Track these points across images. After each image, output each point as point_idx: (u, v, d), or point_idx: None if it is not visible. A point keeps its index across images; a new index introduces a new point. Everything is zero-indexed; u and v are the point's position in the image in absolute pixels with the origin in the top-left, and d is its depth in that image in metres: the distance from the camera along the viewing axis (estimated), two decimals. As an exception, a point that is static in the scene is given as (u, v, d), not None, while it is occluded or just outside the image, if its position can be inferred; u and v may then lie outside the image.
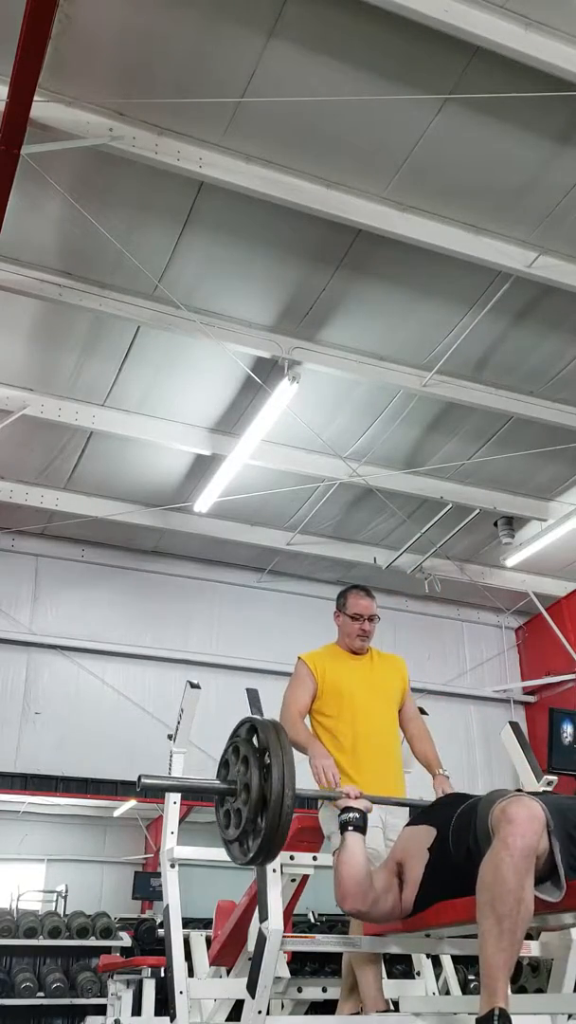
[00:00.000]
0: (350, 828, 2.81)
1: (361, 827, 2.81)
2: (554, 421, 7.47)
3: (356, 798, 2.89)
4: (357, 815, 2.83)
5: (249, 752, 2.57)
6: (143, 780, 2.60)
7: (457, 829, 2.51)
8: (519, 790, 2.40)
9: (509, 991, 2.04)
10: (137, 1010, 6.18)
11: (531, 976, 6.54)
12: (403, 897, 2.64)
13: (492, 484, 8.67)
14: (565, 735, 6.57)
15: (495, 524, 9.32)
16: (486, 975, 2.02)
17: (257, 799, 2.48)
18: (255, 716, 2.76)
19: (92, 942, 8.02)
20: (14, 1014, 7.61)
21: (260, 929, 2.69)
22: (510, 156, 5.28)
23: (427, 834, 2.66)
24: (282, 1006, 3.98)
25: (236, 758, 2.64)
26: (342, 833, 2.82)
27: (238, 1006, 3.53)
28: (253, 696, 3.51)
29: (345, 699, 3.74)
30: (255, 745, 2.58)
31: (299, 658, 3.86)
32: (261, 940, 2.65)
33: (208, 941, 4.53)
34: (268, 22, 4.57)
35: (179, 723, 3.94)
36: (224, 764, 2.70)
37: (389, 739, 3.79)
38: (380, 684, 3.86)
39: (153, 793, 8.28)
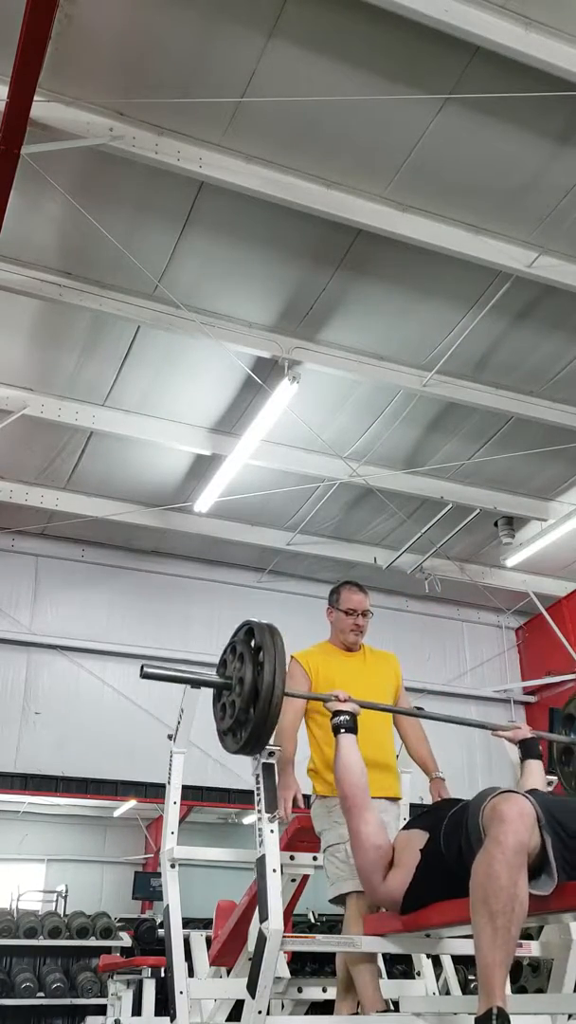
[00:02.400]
0: (342, 731, 2.94)
1: (352, 728, 2.95)
2: (554, 421, 7.47)
3: (344, 700, 3.01)
4: (348, 717, 2.96)
5: (245, 650, 2.78)
6: (146, 669, 2.82)
7: (448, 828, 2.51)
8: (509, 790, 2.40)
9: (508, 990, 2.04)
10: (137, 1010, 6.19)
11: (531, 976, 6.54)
12: (392, 880, 2.65)
13: (492, 484, 8.67)
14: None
15: (495, 524, 9.32)
16: (482, 974, 2.02)
17: (250, 691, 2.68)
18: (252, 619, 2.87)
19: (92, 942, 8.02)
20: (14, 1014, 7.62)
21: (260, 929, 2.69)
22: (510, 156, 5.29)
23: (420, 837, 2.67)
24: (282, 1006, 3.97)
25: (233, 656, 2.86)
26: (335, 736, 2.95)
27: (238, 1006, 3.52)
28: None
29: None
30: (251, 645, 2.78)
31: (292, 657, 3.85)
32: (261, 940, 2.65)
33: (208, 941, 4.52)
34: (268, 22, 4.57)
35: (179, 723, 3.93)
36: (223, 663, 2.93)
37: (383, 736, 3.78)
38: (373, 681, 3.85)
39: (153, 792, 8.31)
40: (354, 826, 2.86)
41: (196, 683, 3.20)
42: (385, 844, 2.79)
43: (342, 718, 2.97)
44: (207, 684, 2.96)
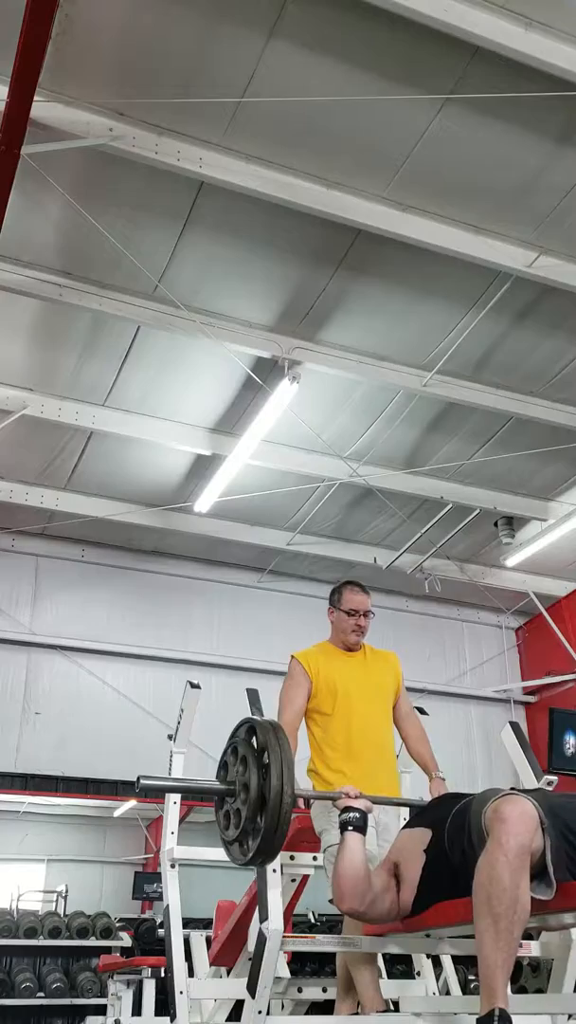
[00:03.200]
0: (349, 828, 2.77)
1: (361, 827, 2.78)
2: (554, 421, 7.47)
3: (355, 798, 2.86)
4: (357, 815, 2.79)
5: (248, 752, 2.55)
6: (142, 781, 2.59)
7: (452, 830, 2.51)
8: (513, 789, 2.40)
9: (509, 991, 2.04)
10: (137, 1010, 6.18)
11: (531, 976, 6.54)
12: (401, 898, 2.64)
13: (492, 484, 8.67)
14: (568, 746, 6.54)
15: (495, 524, 9.32)
16: (485, 975, 2.02)
17: (256, 798, 2.46)
18: (254, 716, 2.75)
19: (92, 942, 8.02)
20: (14, 1014, 7.62)
21: (260, 929, 2.69)
22: (510, 156, 5.28)
23: (423, 836, 2.65)
24: (282, 1006, 3.98)
25: (235, 759, 2.63)
26: (342, 833, 2.79)
27: (238, 1006, 3.53)
28: (253, 696, 3.51)
29: (339, 697, 3.73)
30: (254, 745, 2.57)
31: (292, 657, 3.85)
32: (261, 940, 2.65)
33: (208, 941, 4.52)
34: (268, 22, 4.57)
35: (179, 723, 3.94)
36: (223, 765, 2.69)
37: (383, 736, 3.78)
38: (374, 681, 3.85)
39: (153, 793, 8.30)
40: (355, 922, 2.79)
41: (195, 791, 2.98)
42: (391, 885, 2.69)
43: (351, 815, 2.80)
44: (208, 792, 2.71)
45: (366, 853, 2.74)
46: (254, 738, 2.58)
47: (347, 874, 2.66)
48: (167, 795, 3.78)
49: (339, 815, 2.83)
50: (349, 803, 2.83)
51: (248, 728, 2.63)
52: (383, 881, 2.67)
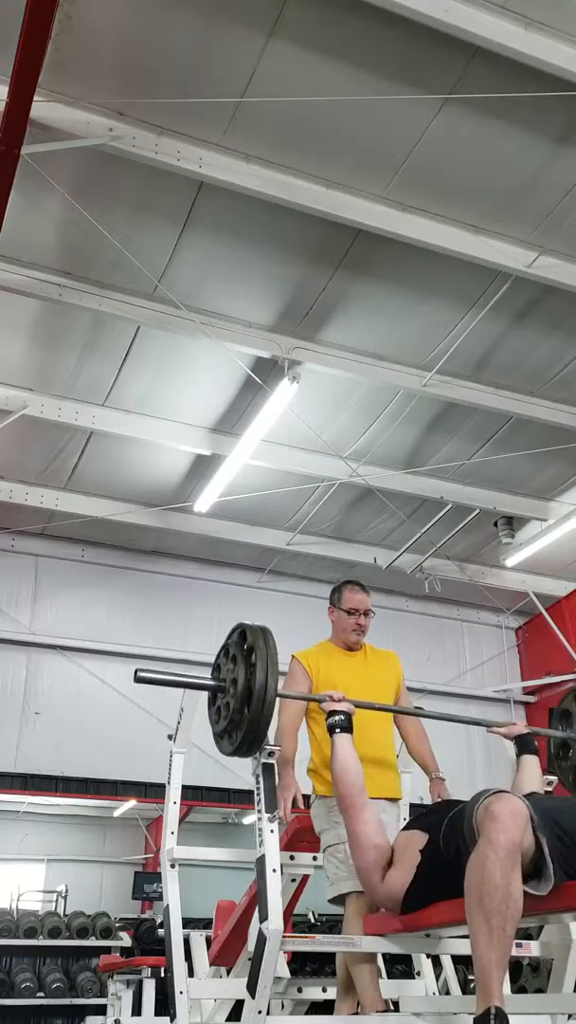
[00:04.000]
0: (338, 730, 2.96)
1: (348, 727, 2.97)
2: (554, 421, 7.47)
3: (339, 700, 3.02)
4: (343, 716, 2.98)
5: (238, 652, 2.79)
6: (139, 674, 2.83)
7: (448, 831, 2.52)
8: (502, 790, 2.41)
9: (508, 989, 2.04)
10: (137, 1010, 6.19)
11: (531, 976, 6.54)
12: (388, 881, 2.66)
13: (492, 484, 8.67)
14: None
15: (495, 524, 9.32)
16: (480, 974, 2.02)
17: (243, 691, 2.69)
18: (245, 622, 2.87)
19: (92, 942, 8.02)
20: (14, 1014, 7.62)
21: (260, 929, 2.69)
22: (510, 156, 5.29)
23: (420, 838, 2.67)
24: (282, 1006, 3.97)
25: (227, 659, 2.86)
26: (331, 735, 2.96)
27: (238, 1006, 3.53)
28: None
29: None
30: (243, 647, 2.78)
31: (293, 656, 3.85)
32: (261, 940, 2.65)
33: (208, 941, 4.52)
34: (268, 22, 4.57)
35: (179, 723, 3.93)
36: (216, 667, 2.93)
37: (384, 736, 3.78)
38: (374, 680, 3.85)
39: (153, 792, 8.31)
40: (352, 826, 2.86)
41: (190, 686, 3.23)
42: (384, 843, 2.79)
43: (337, 718, 2.98)
44: (201, 687, 2.97)
45: (356, 754, 2.95)
46: (244, 641, 2.80)
47: (343, 775, 2.89)
48: (167, 795, 3.77)
49: (326, 719, 3.02)
50: (334, 706, 3.01)
51: (240, 632, 2.85)
52: (383, 849, 2.75)
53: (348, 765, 2.91)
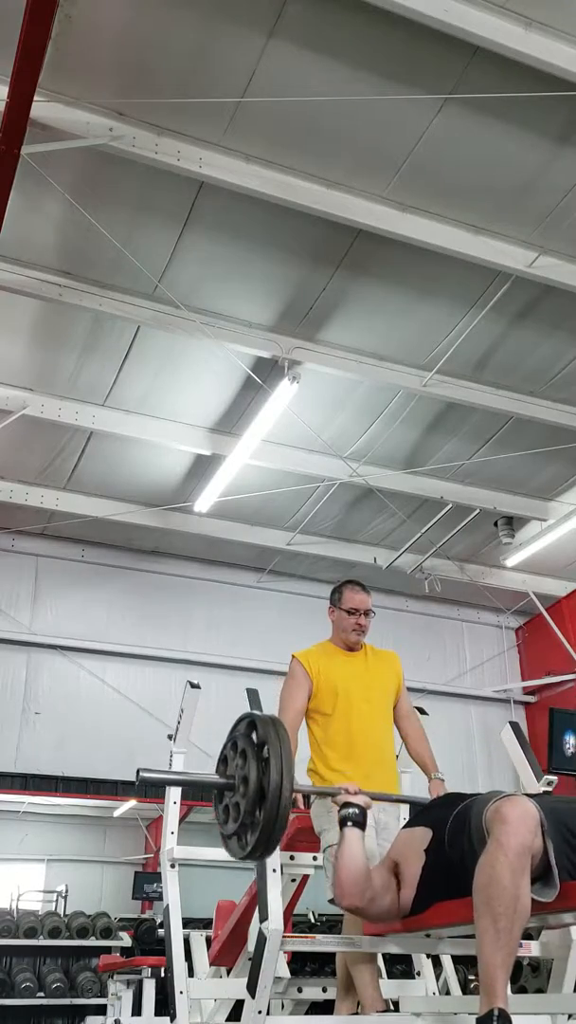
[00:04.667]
0: (349, 824, 2.78)
1: (360, 823, 2.78)
2: (554, 421, 7.47)
3: (355, 794, 2.86)
4: (356, 811, 2.80)
5: (247, 746, 2.55)
6: (142, 774, 2.60)
7: (452, 830, 2.51)
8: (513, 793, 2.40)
9: (509, 991, 2.04)
10: (137, 1010, 6.19)
11: (531, 976, 6.54)
12: (401, 897, 2.64)
13: (492, 484, 8.67)
14: (568, 746, 6.54)
15: (495, 524, 9.32)
16: (484, 975, 2.02)
17: (255, 792, 2.45)
18: (254, 712, 2.76)
19: (92, 942, 8.02)
20: (14, 1014, 7.61)
21: (260, 929, 2.69)
22: (510, 156, 5.28)
23: (423, 835, 2.65)
24: (282, 1006, 3.98)
25: (235, 753, 2.62)
26: (341, 829, 2.79)
27: (238, 1006, 3.53)
28: (253, 696, 3.51)
29: (340, 697, 3.73)
30: (253, 740, 2.56)
31: (293, 656, 3.85)
32: (261, 940, 2.65)
33: (208, 941, 4.53)
34: (268, 22, 4.57)
35: (179, 723, 3.94)
36: (223, 760, 2.69)
37: (384, 736, 3.78)
38: (375, 680, 3.85)
39: (153, 791, 8.31)
40: (355, 918, 2.80)
41: (196, 785, 3.01)
42: (381, 888, 2.68)
43: (350, 811, 2.81)
44: (208, 785, 2.70)
45: (365, 850, 2.74)
46: (254, 732, 2.58)
47: (347, 870, 2.67)
48: (167, 795, 3.78)
49: (338, 811, 2.83)
50: (348, 799, 2.83)
51: (248, 723, 2.62)
52: (383, 879, 2.67)
53: (354, 860, 2.69)
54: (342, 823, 2.79)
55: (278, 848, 2.71)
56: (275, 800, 2.39)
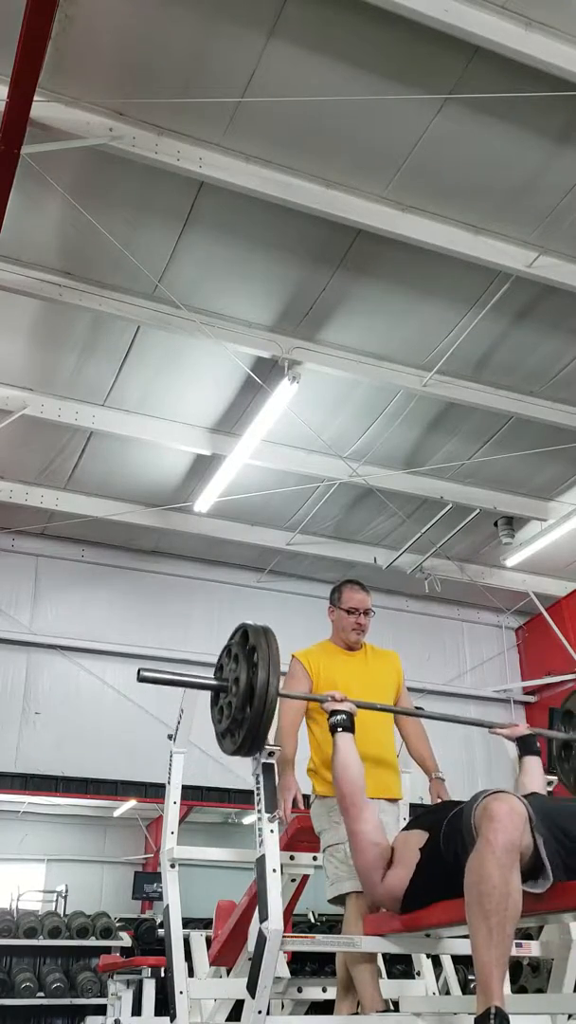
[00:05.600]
0: (339, 729, 2.96)
1: (349, 727, 2.97)
2: (554, 421, 7.47)
3: (341, 700, 3.03)
4: (345, 716, 2.98)
5: (240, 652, 2.82)
6: (142, 673, 2.85)
7: (448, 830, 2.52)
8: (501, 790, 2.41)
9: (508, 989, 2.04)
10: (137, 1010, 6.19)
11: (531, 976, 6.54)
12: (387, 881, 2.66)
13: (492, 484, 8.67)
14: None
15: (495, 524, 9.32)
16: (480, 974, 2.02)
17: (245, 690, 2.72)
18: (247, 622, 2.89)
19: (92, 942, 8.02)
20: (14, 1014, 7.62)
21: (260, 929, 2.69)
22: (510, 156, 5.29)
23: (420, 837, 2.67)
24: (282, 1006, 3.97)
25: (229, 658, 2.90)
26: (332, 735, 2.97)
27: (238, 1006, 3.53)
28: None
29: None
30: (246, 647, 2.81)
31: (293, 656, 3.85)
32: (261, 940, 2.65)
33: (208, 941, 4.52)
34: (268, 22, 4.57)
35: (179, 723, 3.93)
36: (219, 667, 2.96)
37: (384, 735, 3.78)
38: (375, 680, 3.85)
39: (153, 791, 8.31)
40: (352, 825, 2.86)
41: (193, 686, 3.24)
42: (383, 843, 2.79)
43: (339, 717, 2.99)
44: (204, 687, 2.99)
45: (357, 753, 2.95)
46: (247, 641, 2.82)
47: (344, 774, 2.89)
48: (167, 795, 3.78)
49: (328, 718, 3.03)
50: (336, 706, 3.01)
51: (242, 632, 2.87)
52: (383, 848, 2.75)
53: (349, 764, 2.91)
54: (332, 729, 2.98)
55: (278, 846, 2.72)
56: (262, 696, 2.66)
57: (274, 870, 2.71)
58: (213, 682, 2.92)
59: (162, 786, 3.82)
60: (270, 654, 2.72)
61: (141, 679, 2.85)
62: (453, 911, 2.41)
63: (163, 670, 3.09)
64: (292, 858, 3.53)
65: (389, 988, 3.42)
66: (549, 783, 3.38)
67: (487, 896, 2.05)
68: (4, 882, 9.25)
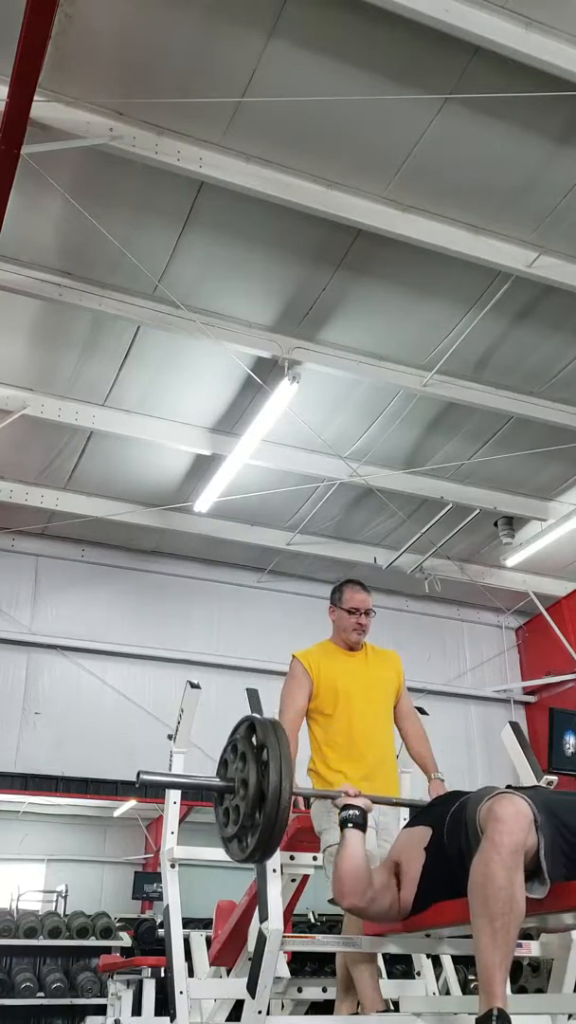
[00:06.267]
0: (349, 825, 2.77)
1: (361, 825, 2.78)
2: (554, 421, 7.47)
3: (355, 796, 2.85)
4: (356, 812, 2.80)
5: (247, 749, 2.58)
6: (142, 776, 2.62)
7: (450, 828, 2.50)
8: (509, 787, 2.39)
9: (508, 990, 2.04)
10: (137, 1010, 6.18)
11: (531, 976, 6.54)
12: (402, 896, 2.64)
13: (492, 484, 8.67)
14: (568, 746, 6.54)
15: (495, 524, 9.32)
16: (482, 975, 2.02)
17: (255, 794, 2.48)
18: (254, 715, 2.75)
19: (92, 942, 8.01)
20: (14, 1014, 7.61)
21: (260, 929, 2.69)
22: (510, 156, 5.29)
23: (423, 834, 2.65)
24: (282, 1006, 3.98)
25: (235, 756, 2.65)
26: (342, 831, 2.78)
27: (238, 1006, 3.53)
28: (253, 696, 3.50)
29: (340, 696, 3.73)
30: (253, 743, 2.59)
31: (293, 656, 3.84)
32: (261, 940, 2.65)
33: (208, 941, 4.53)
34: (268, 22, 4.57)
35: (179, 723, 3.94)
36: (223, 763, 2.71)
37: (384, 736, 3.78)
38: (375, 680, 3.84)
39: (153, 791, 8.30)
40: (355, 919, 2.79)
41: (196, 787, 3.01)
42: (385, 878, 2.69)
43: (351, 812, 2.80)
44: (208, 788, 2.75)
45: (366, 851, 2.74)
46: (253, 735, 2.60)
47: (348, 871, 2.66)
48: (167, 795, 3.78)
49: (339, 813, 2.83)
50: (348, 801, 2.83)
51: (248, 726, 2.65)
52: (384, 879, 2.67)
53: (355, 862, 2.68)
54: (342, 825, 2.79)
55: (278, 849, 2.71)
56: (275, 803, 2.41)
57: (274, 870, 2.71)
58: (218, 783, 2.68)
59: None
60: (281, 754, 2.49)
61: (141, 783, 2.65)
62: (454, 911, 2.41)
63: (162, 771, 2.89)
64: (292, 858, 3.53)
65: (389, 988, 3.42)
66: (549, 783, 3.38)
67: (493, 898, 2.04)
68: (4, 882, 9.26)
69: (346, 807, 2.81)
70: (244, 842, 2.54)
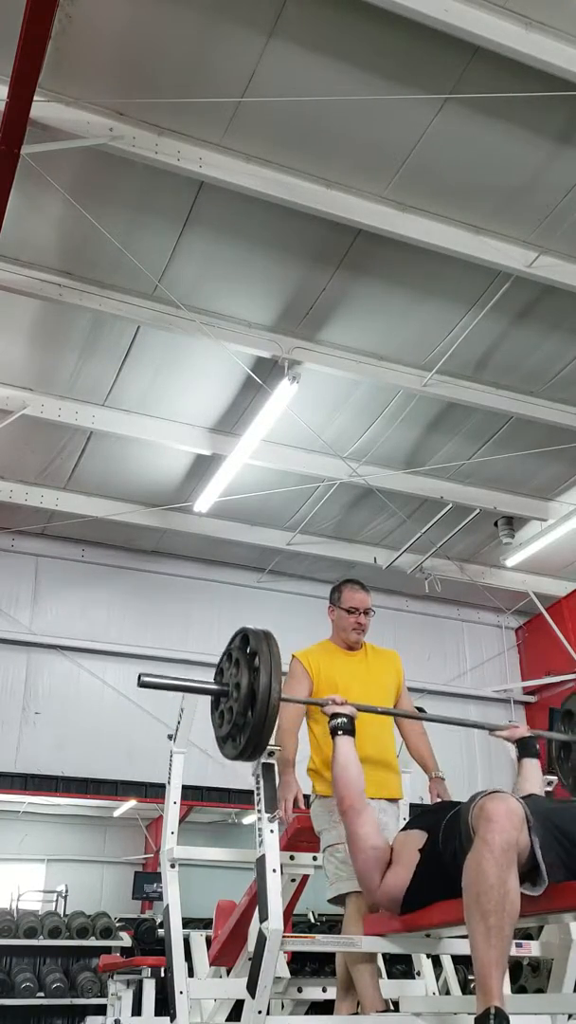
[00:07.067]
0: (340, 732, 2.99)
1: (350, 730, 3.00)
2: (554, 421, 7.47)
3: (341, 704, 3.06)
4: (345, 719, 3.01)
5: (241, 657, 2.82)
6: (143, 679, 2.85)
7: (446, 830, 2.52)
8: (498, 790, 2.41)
9: (508, 989, 2.04)
10: (137, 1010, 6.19)
11: (531, 976, 6.54)
12: (387, 882, 2.66)
13: (492, 484, 8.67)
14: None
15: (495, 524, 9.32)
16: (479, 974, 2.02)
17: (246, 695, 2.72)
18: (247, 627, 2.91)
19: (92, 942, 8.02)
20: (14, 1014, 7.62)
21: (260, 929, 2.69)
22: (510, 156, 5.29)
23: (419, 837, 2.67)
24: (282, 1006, 3.98)
25: (230, 663, 2.90)
26: (333, 738, 2.99)
27: (238, 1006, 3.53)
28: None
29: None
30: (247, 651, 2.82)
31: (293, 656, 3.85)
32: (261, 940, 2.65)
33: (208, 941, 4.52)
34: (268, 22, 4.57)
35: (179, 723, 3.93)
36: (219, 671, 2.96)
37: (384, 735, 3.78)
38: (375, 679, 3.85)
39: (153, 792, 8.31)
40: (351, 828, 2.86)
41: (193, 690, 3.23)
42: (382, 845, 2.79)
43: (339, 720, 3.01)
44: (203, 691, 2.99)
45: (357, 756, 2.98)
46: (247, 645, 2.82)
47: (343, 775, 2.91)
48: (167, 795, 3.78)
49: (328, 722, 3.06)
50: (336, 709, 3.05)
51: (242, 636, 2.87)
52: (381, 850, 2.75)
53: (349, 767, 2.92)
54: (333, 732, 3.01)
55: (278, 846, 2.72)
56: (264, 701, 2.65)
57: (274, 870, 2.71)
58: (214, 687, 2.92)
59: (162, 786, 3.83)
60: (271, 658, 2.71)
61: (141, 684, 2.84)
62: (453, 911, 2.41)
63: (163, 674, 3.09)
64: (292, 858, 3.53)
65: (389, 988, 3.42)
66: (549, 783, 3.38)
67: (485, 896, 2.05)
68: (4, 882, 9.26)
69: (334, 715, 3.04)
70: (237, 740, 2.76)
